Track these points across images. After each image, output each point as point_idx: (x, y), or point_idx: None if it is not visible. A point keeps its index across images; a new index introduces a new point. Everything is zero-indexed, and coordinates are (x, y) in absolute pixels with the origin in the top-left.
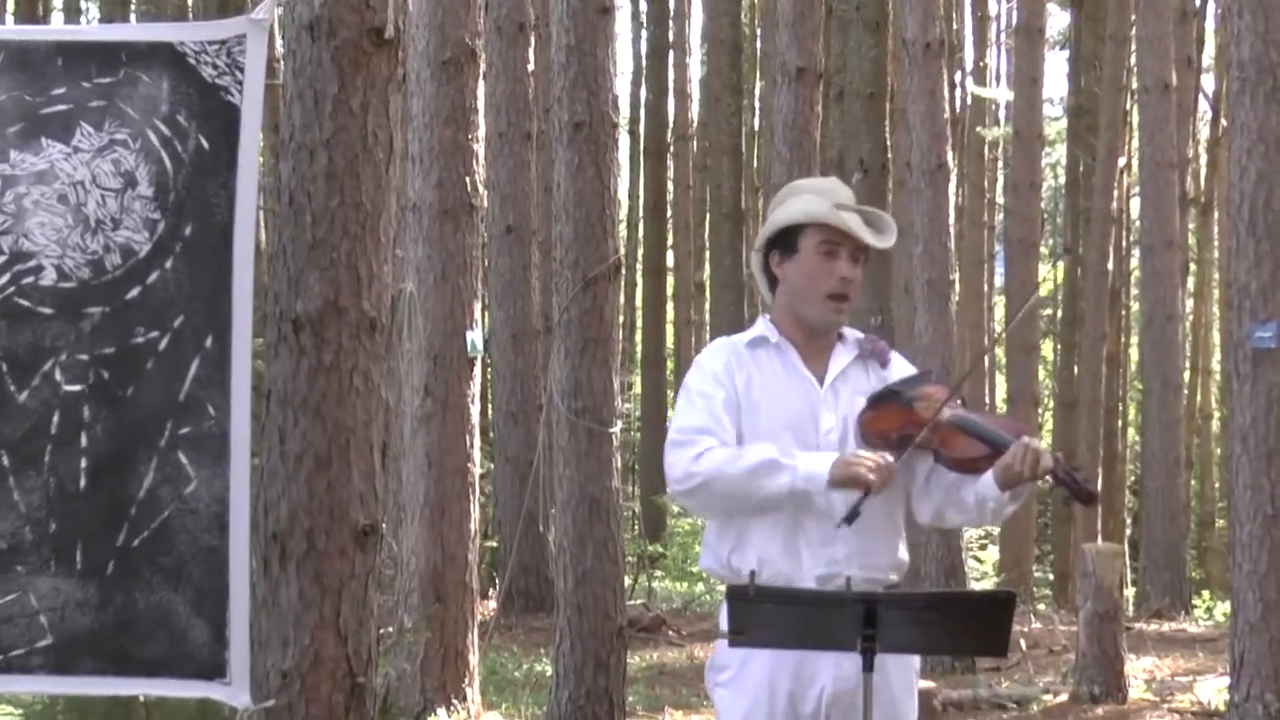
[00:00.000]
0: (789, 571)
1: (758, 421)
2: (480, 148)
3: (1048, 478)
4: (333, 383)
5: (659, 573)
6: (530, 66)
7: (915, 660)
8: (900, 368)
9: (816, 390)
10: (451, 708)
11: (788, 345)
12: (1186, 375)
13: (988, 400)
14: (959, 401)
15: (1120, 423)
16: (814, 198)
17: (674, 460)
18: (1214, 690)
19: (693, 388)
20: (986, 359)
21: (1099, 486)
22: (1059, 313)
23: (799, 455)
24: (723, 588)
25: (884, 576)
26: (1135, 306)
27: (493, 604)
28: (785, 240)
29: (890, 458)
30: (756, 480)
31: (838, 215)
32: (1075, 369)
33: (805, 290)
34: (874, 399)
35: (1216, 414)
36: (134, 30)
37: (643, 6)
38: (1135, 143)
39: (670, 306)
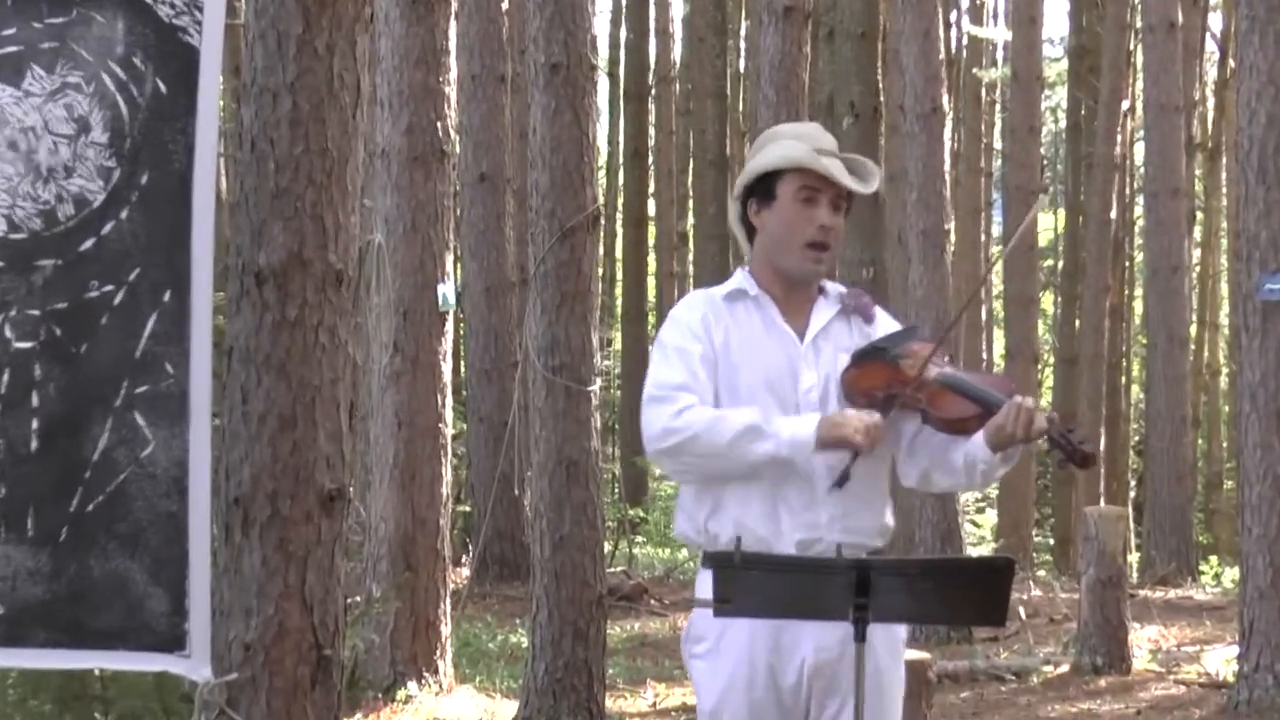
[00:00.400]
0: (768, 537)
1: (736, 378)
2: (452, 91)
3: (1042, 440)
4: (297, 339)
5: (640, 538)
6: (504, 5)
7: (901, 627)
8: (886, 324)
9: (797, 346)
10: (423, 681)
11: (766, 299)
12: (1193, 329)
13: (985, 356)
14: (947, 359)
15: (1123, 379)
16: (793, 143)
17: (652, 417)
18: (1222, 660)
19: (668, 342)
20: (984, 311)
21: (1101, 446)
22: (1060, 264)
23: (781, 421)
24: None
25: (869, 542)
26: (1139, 257)
27: (466, 571)
28: (763, 188)
29: (878, 417)
30: (739, 445)
31: (817, 160)
32: (1076, 323)
33: (783, 239)
34: (858, 356)
35: (1225, 370)
36: None
37: None
38: (1139, 85)
39: (652, 258)
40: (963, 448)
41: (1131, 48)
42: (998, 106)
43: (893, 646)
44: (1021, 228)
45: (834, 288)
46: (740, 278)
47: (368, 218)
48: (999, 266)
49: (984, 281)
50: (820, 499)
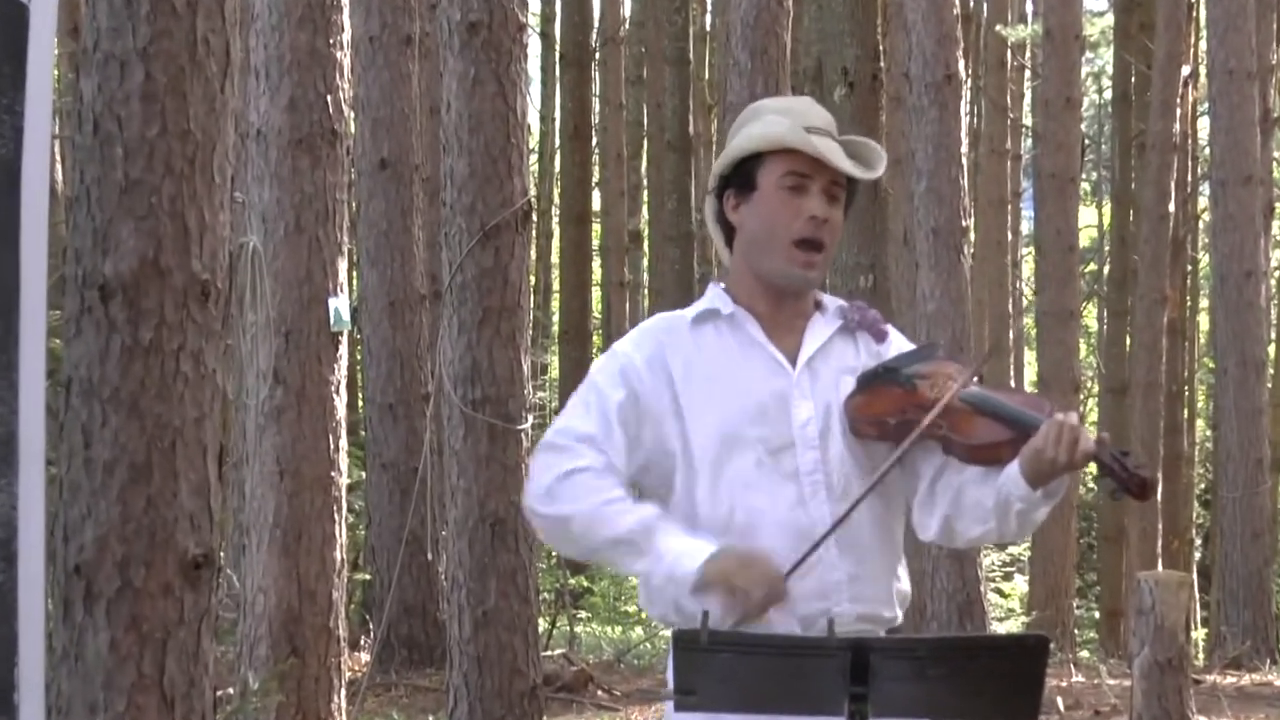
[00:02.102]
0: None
1: (705, 419)
2: (345, 57)
3: (1091, 465)
4: (153, 368)
5: (584, 614)
6: None
7: None
8: (900, 345)
9: (787, 372)
10: None
11: (746, 317)
12: (1272, 350)
13: (1012, 384)
14: (977, 379)
15: (1186, 413)
16: (776, 118)
17: (540, 466)
18: None
19: (594, 378)
20: (1011, 330)
21: (1158, 496)
22: (1105, 269)
23: (670, 540)
24: (667, 633)
25: (882, 612)
26: (1204, 260)
27: (365, 656)
28: (741, 177)
29: (781, 576)
30: (614, 552)
31: (804, 137)
32: (1127, 342)
33: (765, 238)
34: (864, 379)
35: None
36: None
37: None
38: (1203, 45)
39: (596, 264)
40: (994, 484)
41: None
42: (1027, 73)
43: None
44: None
45: (833, 302)
46: (712, 294)
47: (240, 216)
48: (1028, 270)
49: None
50: (822, 555)
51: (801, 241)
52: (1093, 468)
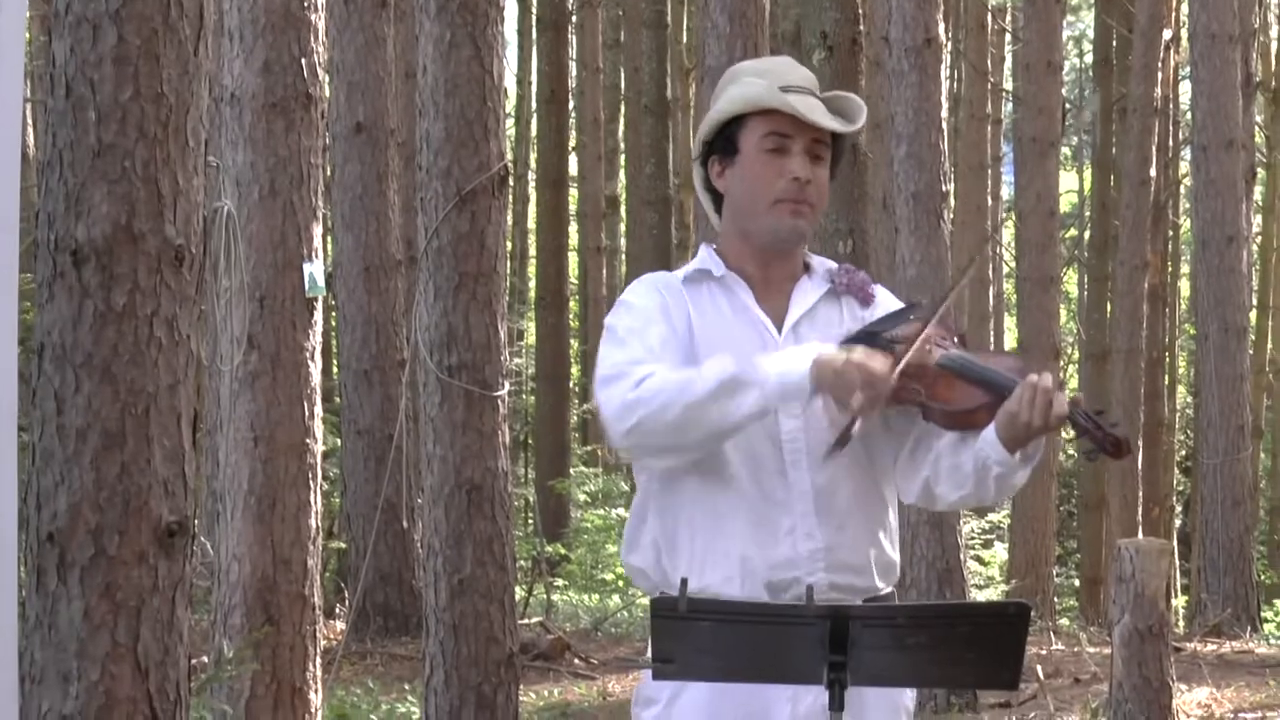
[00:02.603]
0: (729, 575)
1: None
2: (320, 19)
3: (1066, 427)
4: (126, 334)
5: (561, 582)
6: None
7: (906, 696)
8: (887, 304)
9: (773, 336)
10: None
11: (736, 279)
12: (1254, 316)
13: (991, 348)
14: (956, 339)
15: (1167, 379)
16: (754, 79)
17: (608, 397)
18: None
19: (619, 327)
20: (991, 294)
21: (1138, 463)
22: (1086, 234)
23: (770, 360)
24: (645, 601)
25: (864, 583)
26: (1186, 225)
27: (341, 624)
28: (724, 141)
29: (888, 373)
30: (722, 402)
31: (780, 97)
32: (1108, 308)
33: (749, 201)
34: (847, 343)
35: None
36: None
37: None
38: (1185, 8)
39: (574, 229)
40: (972, 448)
41: None
42: (1007, 37)
43: (893, 716)
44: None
45: (822, 263)
46: (704, 255)
47: (214, 180)
48: (1008, 235)
49: (963, 279)
50: (799, 523)
51: (784, 200)
52: (1071, 430)
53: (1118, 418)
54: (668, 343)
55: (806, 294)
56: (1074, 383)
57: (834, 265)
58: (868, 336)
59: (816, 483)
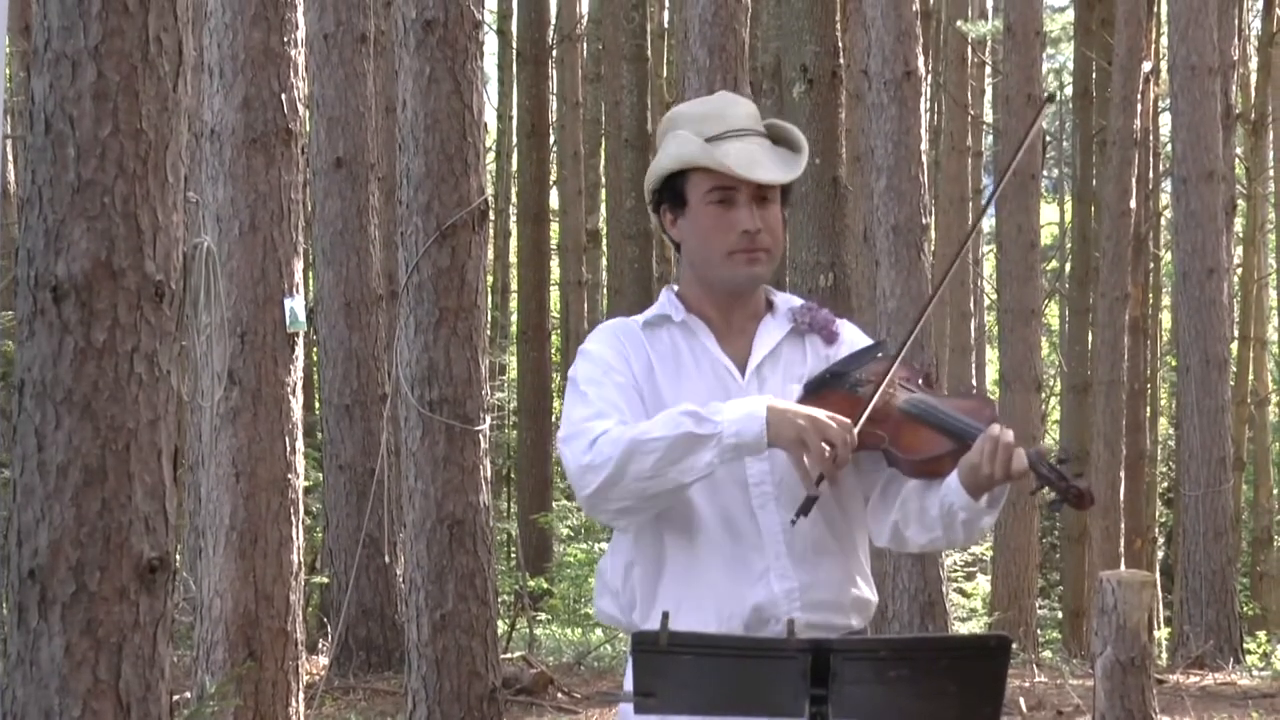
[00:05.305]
0: (708, 614)
1: None
2: (300, 55)
3: (1030, 477)
4: (106, 370)
5: (544, 616)
6: None
7: None
8: (852, 341)
9: (736, 379)
10: None
11: (698, 323)
12: (1235, 348)
13: (975, 384)
14: (921, 380)
15: (1149, 411)
16: (687, 134)
17: (567, 457)
18: None
19: (580, 378)
20: (972, 326)
21: (1121, 494)
22: (1067, 266)
23: (725, 407)
24: (626, 637)
25: (839, 620)
26: (1166, 257)
27: (323, 659)
28: (671, 192)
29: (848, 423)
30: (678, 456)
31: (713, 157)
32: (1089, 340)
33: (702, 254)
34: (811, 385)
35: (1275, 398)
36: None
37: None
38: (1164, 41)
39: (555, 263)
40: (938, 493)
41: None
42: (988, 69)
43: None
44: (1022, 147)
45: (785, 301)
46: (664, 300)
47: (194, 215)
48: (989, 268)
49: (965, 247)
50: (772, 564)
51: (736, 253)
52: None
53: (1104, 468)
54: (625, 391)
55: (769, 335)
56: (1055, 415)
57: (797, 303)
58: (833, 378)
59: (786, 525)
